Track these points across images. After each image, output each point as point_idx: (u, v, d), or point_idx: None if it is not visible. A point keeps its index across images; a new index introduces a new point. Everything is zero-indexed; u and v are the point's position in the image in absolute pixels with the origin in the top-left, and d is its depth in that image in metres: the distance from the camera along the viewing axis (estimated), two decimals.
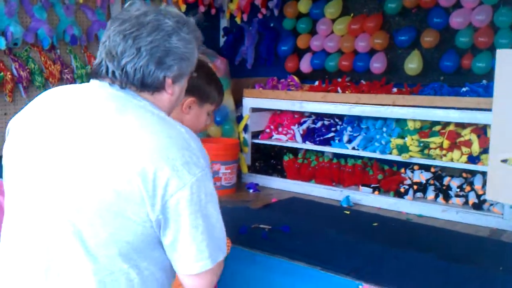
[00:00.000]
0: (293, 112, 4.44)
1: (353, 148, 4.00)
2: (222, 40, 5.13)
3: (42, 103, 1.45)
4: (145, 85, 1.38)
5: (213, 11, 4.89)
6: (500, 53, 1.33)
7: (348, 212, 3.64)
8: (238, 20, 4.96)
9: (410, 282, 2.00)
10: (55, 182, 1.33)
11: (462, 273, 2.16)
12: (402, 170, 3.94)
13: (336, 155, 4.27)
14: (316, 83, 4.45)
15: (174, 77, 1.42)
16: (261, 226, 2.49)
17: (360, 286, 1.90)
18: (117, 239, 1.30)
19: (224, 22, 5.11)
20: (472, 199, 3.43)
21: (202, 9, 4.71)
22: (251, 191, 4.18)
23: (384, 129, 3.92)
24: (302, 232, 2.51)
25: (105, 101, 1.36)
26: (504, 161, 1.41)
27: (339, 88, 4.11)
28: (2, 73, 3.44)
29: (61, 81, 3.75)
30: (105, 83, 1.39)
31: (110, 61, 1.37)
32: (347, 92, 4.03)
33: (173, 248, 1.33)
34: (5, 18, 3.44)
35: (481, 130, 3.45)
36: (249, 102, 4.45)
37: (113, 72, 1.37)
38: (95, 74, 1.42)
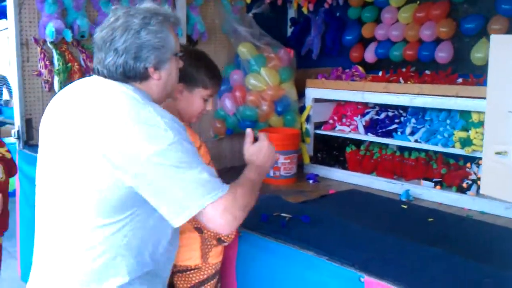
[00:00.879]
0: (357, 103, 4.36)
1: (416, 141, 3.87)
2: (289, 31, 5.13)
3: (66, 93, 1.75)
4: (129, 77, 1.64)
5: (279, 1, 4.90)
6: (494, 39, 1.25)
7: (405, 206, 3.52)
8: (305, 10, 4.94)
9: (418, 279, 1.91)
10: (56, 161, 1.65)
11: (478, 271, 2.05)
12: (468, 164, 3.76)
13: (400, 148, 4.15)
14: (380, 73, 4.34)
15: (154, 65, 1.66)
16: (282, 214, 2.49)
17: (361, 278, 1.86)
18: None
19: (291, 13, 5.12)
20: None
21: (268, 0, 4.73)
22: (310, 181, 4.16)
23: (448, 121, 3.75)
24: (323, 223, 2.47)
25: (96, 89, 1.65)
26: (499, 153, 1.33)
27: (401, 78, 3.99)
28: (70, 64, 3.66)
29: None
30: (100, 77, 1.68)
31: (98, 63, 1.66)
32: (409, 82, 3.90)
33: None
34: (72, 11, 3.65)
35: None
36: (311, 93, 4.42)
37: (102, 71, 1.65)
38: (94, 72, 1.72)
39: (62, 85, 3.62)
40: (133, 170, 1.49)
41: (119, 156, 1.49)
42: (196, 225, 2.10)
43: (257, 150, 1.90)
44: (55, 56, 3.61)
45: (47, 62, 3.60)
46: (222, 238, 2.15)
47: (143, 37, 1.61)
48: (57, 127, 1.66)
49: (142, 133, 1.49)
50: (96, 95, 1.62)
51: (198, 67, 2.05)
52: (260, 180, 1.84)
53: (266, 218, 2.47)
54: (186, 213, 1.52)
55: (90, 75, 3.65)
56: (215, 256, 2.22)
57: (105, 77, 1.65)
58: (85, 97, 1.64)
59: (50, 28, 3.51)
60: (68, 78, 3.65)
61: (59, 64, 3.59)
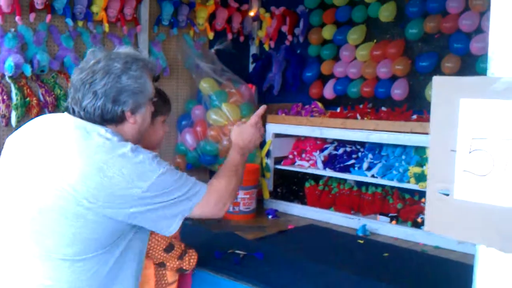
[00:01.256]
0: (316, 139, 4.43)
1: (372, 176, 3.93)
2: (251, 67, 5.20)
3: (29, 128, 1.75)
4: (106, 120, 1.66)
5: (241, 38, 4.99)
6: (436, 80, 1.30)
7: (362, 241, 3.56)
8: (266, 47, 5.04)
9: None
10: (22, 191, 1.63)
11: None
12: (423, 199, 3.83)
13: (358, 183, 4.21)
14: (339, 109, 4.43)
15: (131, 109, 1.69)
16: (237, 251, 2.50)
17: None
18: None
19: (253, 49, 5.19)
20: None
21: (230, 36, 4.81)
22: (270, 217, 4.18)
23: (403, 156, 3.84)
24: (276, 260, 2.49)
25: (73, 130, 1.64)
26: (441, 192, 1.36)
27: (358, 115, 4.07)
28: (28, 99, 3.63)
29: None
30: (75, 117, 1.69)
31: (75, 104, 1.67)
32: (366, 118, 3.99)
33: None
34: (33, 46, 3.64)
35: None
36: (272, 128, 4.47)
37: (79, 112, 1.66)
38: (67, 111, 1.72)
39: (20, 120, 3.58)
40: (128, 208, 1.56)
41: (111, 199, 1.54)
42: (158, 261, 2.14)
43: (239, 131, 2.01)
44: (13, 91, 3.57)
45: (5, 97, 3.56)
46: (184, 268, 2.21)
47: (123, 81, 1.65)
48: (25, 163, 1.65)
49: (131, 173, 1.55)
50: (75, 136, 1.62)
51: None
52: (243, 161, 1.97)
53: (220, 255, 2.47)
54: (177, 222, 1.66)
55: (49, 110, 3.68)
56: None
57: (82, 118, 1.65)
58: (62, 136, 1.63)
59: (9, 62, 3.48)
60: (26, 113, 3.62)
61: (17, 99, 3.56)
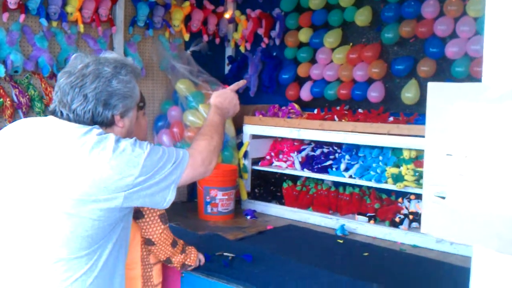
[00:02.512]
0: (293, 140, 4.46)
1: (350, 177, 3.98)
2: (227, 68, 5.21)
3: (10, 131, 1.73)
4: (96, 122, 1.68)
5: (217, 40, 4.99)
6: (431, 86, 1.34)
7: (341, 241, 3.60)
8: (242, 49, 5.05)
9: None
10: (11, 194, 1.62)
11: None
12: (400, 199, 3.90)
13: (335, 183, 4.26)
14: (316, 111, 4.47)
15: (121, 113, 1.72)
16: (225, 254, 2.51)
17: None
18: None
19: (229, 51, 5.20)
20: None
21: (206, 38, 4.80)
22: (248, 217, 4.18)
23: (381, 157, 3.90)
24: (265, 261, 2.50)
25: (62, 131, 1.65)
26: (437, 194, 1.40)
27: (335, 116, 4.12)
28: (1, 99, 3.55)
29: None
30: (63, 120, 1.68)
31: (63, 107, 1.66)
32: (343, 120, 4.04)
33: None
34: (6, 47, 3.56)
35: None
36: (249, 129, 4.48)
37: (67, 115, 1.67)
38: (53, 114, 1.71)
39: None
40: (123, 194, 1.58)
41: (105, 192, 1.56)
42: (166, 256, 2.21)
43: (219, 94, 2.13)
44: None
45: None
46: (187, 263, 2.27)
47: (114, 85, 1.67)
48: (14, 166, 1.64)
49: (119, 163, 1.57)
50: (64, 138, 1.62)
51: None
52: (222, 120, 2.04)
53: (209, 258, 2.47)
54: (172, 191, 1.69)
55: (22, 111, 3.61)
56: None
57: (70, 120, 1.66)
58: (51, 138, 1.63)
59: None
60: None
61: None
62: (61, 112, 1.68)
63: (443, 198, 1.43)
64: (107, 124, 1.70)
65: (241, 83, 2.24)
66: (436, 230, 1.41)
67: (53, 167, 1.57)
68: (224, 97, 2.11)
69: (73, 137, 1.60)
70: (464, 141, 1.44)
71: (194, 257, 2.30)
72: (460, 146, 1.46)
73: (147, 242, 2.13)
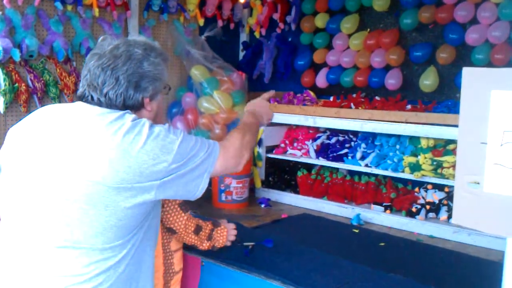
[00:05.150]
0: (308, 127, 4.40)
1: (366, 165, 3.93)
2: (241, 54, 5.15)
3: (38, 117, 1.69)
4: (127, 106, 1.66)
5: (232, 25, 4.92)
6: (466, 71, 1.29)
7: (356, 231, 3.56)
8: (257, 34, 4.99)
9: None
10: (43, 183, 1.57)
11: None
12: (416, 189, 3.84)
13: (351, 172, 4.21)
14: (331, 98, 4.41)
15: (150, 96, 1.72)
16: (245, 244, 2.47)
17: None
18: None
19: (243, 37, 5.14)
20: None
21: (220, 23, 4.75)
22: (262, 206, 4.15)
23: (398, 146, 3.84)
24: (287, 249, 2.46)
25: (94, 117, 1.61)
26: (471, 184, 1.35)
27: (352, 104, 4.06)
28: (17, 84, 3.52)
29: (76, 92, 3.83)
30: (93, 105, 1.65)
31: (93, 90, 1.65)
32: (360, 108, 3.98)
33: None
34: (21, 30, 3.53)
35: None
36: None
37: (98, 99, 1.65)
38: (81, 99, 1.69)
39: (8, 106, 3.49)
40: (157, 181, 1.57)
41: (140, 179, 1.55)
42: (190, 243, 2.22)
43: (252, 102, 2.29)
44: (1, 76, 3.46)
45: None
46: (217, 246, 2.28)
47: (145, 67, 1.66)
48: (45, 155, 1.59)
49: (154, 148, 1.56)
50: (97, 124, 1.59)
51: None
52: (256, 122, 2.12)
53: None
54: (205, 180, 1.71)
55: (37, 97, 3.58)
56: (176, 284, 2.18)
57: (101, 105, 1.65)
58: (84, 125, 1.59)
59: None
60: (14, 98, 3.52)
61: (5, 85, 3.45)
62: (92, 96, 1.65)
63: (477, 188, 1.38)
64: (136, 108, 1.69)
65: (272, 93, 2.41)
66: (468, 221, 1.36)
67: (88, 156, 1.52)
68: (258, 104, 2.24)
69: (106, 123, 1.57)
70: (500, 129, 1.39)
71: (223, 241, 2.27)
72: (496, 134, 1.41)
73: (169, 231, 2.10)
